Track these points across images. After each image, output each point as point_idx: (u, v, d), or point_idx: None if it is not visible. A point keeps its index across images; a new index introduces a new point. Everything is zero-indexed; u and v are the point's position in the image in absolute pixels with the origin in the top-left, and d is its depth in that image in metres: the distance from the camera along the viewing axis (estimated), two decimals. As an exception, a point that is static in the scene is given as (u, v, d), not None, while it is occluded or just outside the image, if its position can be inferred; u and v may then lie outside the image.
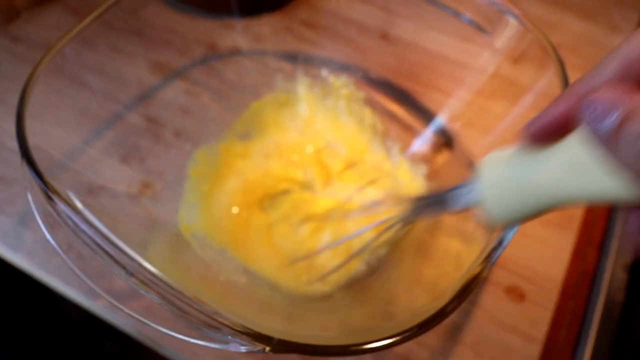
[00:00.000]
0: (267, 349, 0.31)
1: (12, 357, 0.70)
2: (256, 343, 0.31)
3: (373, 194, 0.55)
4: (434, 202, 0.34)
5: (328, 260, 0.51)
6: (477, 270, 0.35)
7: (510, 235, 0.37)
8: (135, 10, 0.58)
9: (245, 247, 0.51)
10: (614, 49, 0.23)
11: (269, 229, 0.52)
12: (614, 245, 0.56)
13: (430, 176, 0.56)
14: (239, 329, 0.32)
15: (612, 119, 0.20)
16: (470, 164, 0.54)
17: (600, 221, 0.58)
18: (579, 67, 0.64)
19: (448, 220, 0.51)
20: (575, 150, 0.23)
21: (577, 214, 0.57)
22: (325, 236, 0.52)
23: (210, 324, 0.32)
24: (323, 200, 0.55)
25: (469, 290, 0.34)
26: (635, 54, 0.23)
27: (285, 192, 0.55)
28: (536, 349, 0.49)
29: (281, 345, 0.31)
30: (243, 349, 0.32)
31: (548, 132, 0.24)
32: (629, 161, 0.20)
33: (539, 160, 0.25)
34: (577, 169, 0.23)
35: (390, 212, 0.38)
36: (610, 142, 0.21)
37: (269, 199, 0.55)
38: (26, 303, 0.69)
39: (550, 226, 0.56)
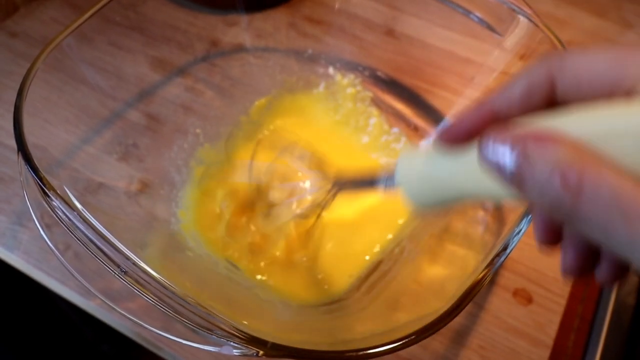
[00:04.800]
0: (261, 352, 0.31)
1: (10, 358, 0.69)
2: (250, 346, 0.31)
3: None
4: (358, 182, 0.37)
5: (329, 267, 0.50)
6: (480, 275, 0.34)
7: (516, 240, 0.37)
8: (135, 6, 0.58)
9: (241, 255, 0.50)
10: (526, 70, 0.26)
11: (265, 237, 0.52)
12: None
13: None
14: (232, 331, 0.31)
15: (510, 164, 0.22)
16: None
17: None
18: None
19: (455, 226, 0.50)
20: (474, 159, 0.25)
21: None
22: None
23: (203, 325, 0.32)
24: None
25: (471, 296, 0.34)
26: (536, 80, 0.25)
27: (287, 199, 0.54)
28: (544, 354, 0.48)
29: (275, 350, 0.31)
30: (236, 352, 0.31)
31: (457, 139, 0.27)
32: (533, 199, 0.22)
33: (447, 161, 0.28)
34: (475, 173, 0.26)
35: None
36: (513, 182, 0.22)
37: (270, 204, 0.54)
38: (24, 303, 0.69)
39: (560, 228, 0.55)
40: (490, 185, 0.25)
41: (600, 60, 0.23)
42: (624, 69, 0.23)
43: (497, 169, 0.22)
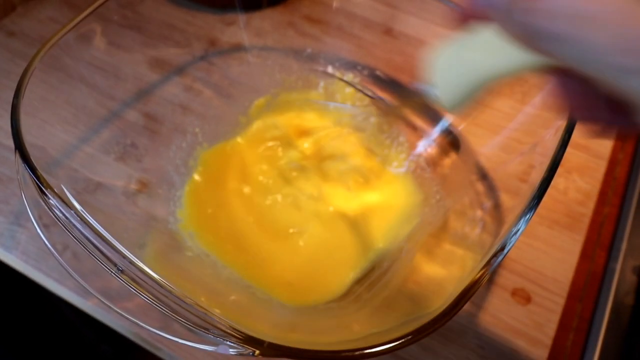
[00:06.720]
0: (257, 352, 0.30)
1: (10, 359, 0.69)
2: (246, 346, 0.31)
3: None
4: (401, 95, 0.40)
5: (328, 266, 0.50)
6: (478, 275, 0.34)
7: (514, 240, 0.36)
8: (133, 5, 0.57)
9: (240, 255, 0.50)
10: None
11: (267, 238, 0.51)
12: (623, 247, 0.55)
13: (437, 179, 0.55)
14: (228, 330, 0.31)
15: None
16: (477, 166, 0.53)
17: (608, 222, 0.56)
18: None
19: (453, 225, 0.50)
20: (490, 30, 0.27)
21: (586, 215, 0.56)
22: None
23: (200, 324, 0.32)
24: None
25: (469, 295, 0.34)
26: None
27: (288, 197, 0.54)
28: (543, 353, 0.48)
29: (272, 349, 0.30)
30: (232, 351, 0.31)
31: (471, 16, 0.28)
32: (518, 35, 0.24)
33: (471, 42, 0.29)
34: (494, 46, 0.27)
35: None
36: (502, 19, 0.24)
37: (272, 204, 0.54)
38: (23, 304, 0.69)
39: (558, 227, 0.55)
40: (505, 55, 0.27)
41: None
42: None
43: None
